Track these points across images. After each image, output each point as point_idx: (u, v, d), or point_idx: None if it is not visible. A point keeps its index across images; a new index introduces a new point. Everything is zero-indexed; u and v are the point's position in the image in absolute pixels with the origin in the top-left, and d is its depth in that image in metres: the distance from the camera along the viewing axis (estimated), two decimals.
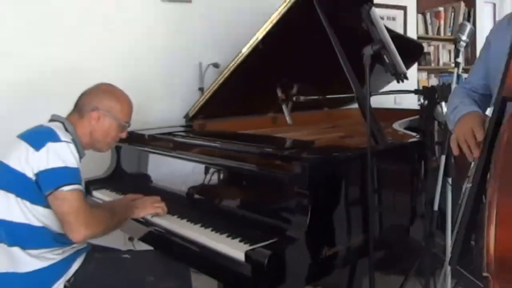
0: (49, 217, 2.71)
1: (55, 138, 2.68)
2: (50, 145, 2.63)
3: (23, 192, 2.65)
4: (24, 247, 2.69)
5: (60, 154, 2.65)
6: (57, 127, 2.80)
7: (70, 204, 2.62)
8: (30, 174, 2.61)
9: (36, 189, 2.63)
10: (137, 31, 4.84)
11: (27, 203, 2.65)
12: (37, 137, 2.71)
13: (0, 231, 2.71)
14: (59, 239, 2.76)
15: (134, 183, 3.82)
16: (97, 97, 3.01)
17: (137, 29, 4.84)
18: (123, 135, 3.17)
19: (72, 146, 2.74)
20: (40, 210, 2.68)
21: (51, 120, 2.95)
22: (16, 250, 2.68)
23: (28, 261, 2.69)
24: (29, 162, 2.61)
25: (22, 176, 2.62)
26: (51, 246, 2.75)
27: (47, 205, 2.67)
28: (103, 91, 3.06)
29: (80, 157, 2.88)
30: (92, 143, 3.03)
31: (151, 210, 3.10)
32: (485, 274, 1.58)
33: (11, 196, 2.66)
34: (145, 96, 4.77)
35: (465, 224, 1.89)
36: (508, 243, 1.54)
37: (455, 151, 2.28)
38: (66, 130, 2.85)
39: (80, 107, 2.99)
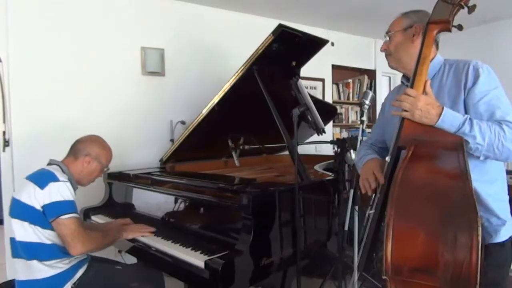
0: (57, 236, 2.75)
1: (55, 178, 2.76)
2: (51, 185, 2.72)
3: (34, 220, 2.71)
4: (40, 259, 2.74)
5: (59, 191, 2.74)
6: (55, 170, 2.87)
7: (68, 228, 2.69)
8: (38, 206, 2.70)
9: (44, 217, 2.71)
10: (124, 97, 4.89)
11: (39, 228, 2.72)
12: (41, 179, 2.77)
13: (19, 250, 2.77)
14: (66, 252, 2.78)
15: (122, 210, 3.78)
16: (89, 145, 3.10)
17: (123, 95, 4.89)
18: (101, 175, 3.28)
19: (68, 184, 2.81)
20: (49, 232, 2.74)
21: (49, 164, 3.00)
22: (34, 262, 2.73)
23: (43, 270, 2.75)
24: (36, 197, 2.69)
25: (32, 208, 2.69)
26: (60, 257, 2.80)
27: (53, 229, 2.73)
28: (94, 141, 3.16)
29: (74, 190, 2.92)
30: (80, 179, 3.08)
31: (138, 234, 3.10)
32: (384, 277, 1.64)
33: (25, 224, 2.72)
34: (130, 145, 4.81)
35: (369, 241, 1.94)
36: (400, 254, 1.61)
37: (363, 191, 2.33)
38: (62, 171, 2.93)
39: (76, 151, 3.07)
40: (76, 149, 3.09)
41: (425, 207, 1.67)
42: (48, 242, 2.75)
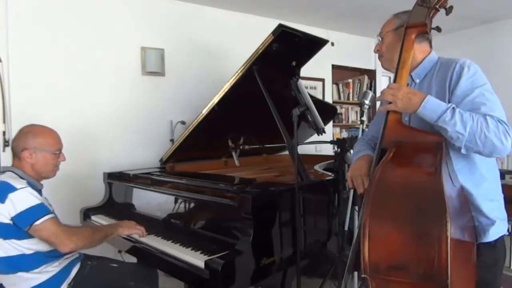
0: (36, 243, 2.67)
1: (12, 188, 2.58)
2: (11, 196, 2.56)
3: (7, 234, 2.60)
4: (27, 270, 2.66)
5: (22, 199, 2.58)
6: (9, 178, 2.68)
7: (47, 231, 2.59)
8: (6, 220, 2.56)
9: (16, 228, 2.59)
10: (124, 97, 4.91)
11: (14, 240, 2.61)
12: None
13: (1, 266, 2.67)
14: (51, 255, 2.73)
15: (122, 210, 3.79)
16: (22, 139, 2.82)
17: (123, 95, 4.91)
18: (61, 158, 2.98)
19: (28, 189, 2.64)
20: (26, 241, 2.64)
21: (1, 172, 2.87)
22: (21, 274, 2.65)
23: (33, 278, 2.68)
24: (1, 212, 2.56)
25: (0, 224, 2.58)
26: (46, 263, 2.72)
27: (30, 236, 2.63)
28: (25, 133, 2.84)
29: (39, 190, 2.84)
30: (38, 174, 2.87)
31: (133, 230, 3.05)
32: (363, 275, 1.68)
33: (0, 240, 2.61)
34: (130, 145, 4.84)
35: (358, 242, 1.95)
36: (376, 253, 1.66)
37: (350, 185, 2.34)
38: (19, 176, 2.76)
39: (15, 151, 2.84)
40: (13, 149, 2.85)
41: (399, 205, 1.71)
42: (29, 252, 2.66)
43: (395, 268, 1.63)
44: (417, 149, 1.90)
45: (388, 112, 2.01)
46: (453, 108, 1.88)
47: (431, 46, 2.27)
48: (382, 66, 2.42)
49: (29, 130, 2.86)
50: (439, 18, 2.11)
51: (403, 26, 2.23)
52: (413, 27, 2.07)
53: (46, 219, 2.59)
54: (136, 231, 3.06)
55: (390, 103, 1.99)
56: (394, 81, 2.04)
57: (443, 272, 1.53)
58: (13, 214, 2.54)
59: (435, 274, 1.55)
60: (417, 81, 2.22)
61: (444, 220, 1.54)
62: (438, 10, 2.04)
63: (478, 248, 1.99)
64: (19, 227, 2.57)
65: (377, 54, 2.41)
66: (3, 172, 2.82)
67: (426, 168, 1.81)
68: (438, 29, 2.08)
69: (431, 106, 1.90)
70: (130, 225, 3.08)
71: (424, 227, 1.60)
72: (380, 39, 2.36)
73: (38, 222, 2.56)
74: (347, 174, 2.40)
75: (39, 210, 2.61)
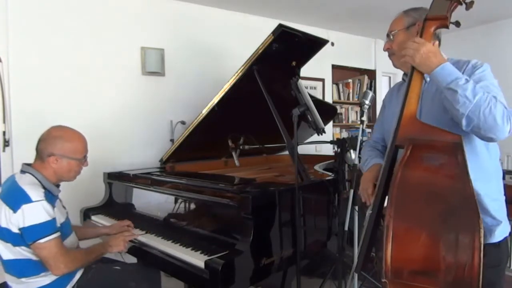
0: None
1: (27, 200, 2.53)
2: (24, 207, 2.51)
3: (16, 241, 2.57)
4: (31, 275, 2.64)
5: (34, 213, 2.53)
6: (28, 184, 2.63)
7: (48, 251, 2.56)
8: (15, 229, 2.54)
9: (24, 239, 2.57)
10: (124, 97, 4.91)
11: (23, 247, 2.59)
12: (13, 200, 2.57)
13: (8, 268, 2.68)
14: None
15: (122, 209, 3.79)
16: (50, 143, 2.77)
17: (123, 95, 4.90)
18: (85, 165, 2.99)
19: (43, 202, 2.58)
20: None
21: (22, 171, 2.77)
22: (26, 279, 2.65)
23: (38, 281, 2.66)
24: (12, 221, 2.53)
25: (9, 231, 2.55)
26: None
27: (33, 251, 2.61)
28: (54, 137, 2.80)
29: (56, 196, 2.84)
30: (59, 179, 2.85)
31: (122, 246, 2.99)
32: (383, 280, 1.60)
33: (9, 245, 2.60)
34: (130, 145, 4.83)
35: (367, 241, 1.93)
36: (400, 257, 1.58)
37: (363, 199, 2.34)
38: (37, 179, 2.71)
39: (39, 153, 2.78)
40: (39, 150, 2.79)
41: (425, 208, 1.64)
42: (36, 258, 2.62)
43: (421, 274, 1.56)
44: (436, 148, 1.82)
45: (402, 107, 1.94)
46: (468, 78, 1.86)
47: (439, 45, 2.24)
48: (393, 64, 2.38)
49: (59, 135, 2.82)
50: None
51: (415, 24, 2.21)
52: (433, 19, 2.00)
53: (50, 238, 2.56)
54: (125, 244, 3.01)
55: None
56: (411, 76, 1.98)
57: (474, 279, 1.47)
58: (21, 226, 2.51)
59: (465, 282, 1.49)
60: (428, 79, 2.20)
61: (478, 226, 1.48)
62: (461, 4, 1.97)
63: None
64: (25, 239, 2.55)
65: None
66: (24, 172, 2.75)
67: (451, 169, 1.72)
68: (457, 23, 2.00)
69: (448, 70, 1.87)
70: (118, 242, 3.00)
71: (456, 232, 1.53)
72: (391, 37, 2.33)
73: (42, 241, 2.53)
74: (360, 187, 2.39)
75: (47, 227, 2.57)
